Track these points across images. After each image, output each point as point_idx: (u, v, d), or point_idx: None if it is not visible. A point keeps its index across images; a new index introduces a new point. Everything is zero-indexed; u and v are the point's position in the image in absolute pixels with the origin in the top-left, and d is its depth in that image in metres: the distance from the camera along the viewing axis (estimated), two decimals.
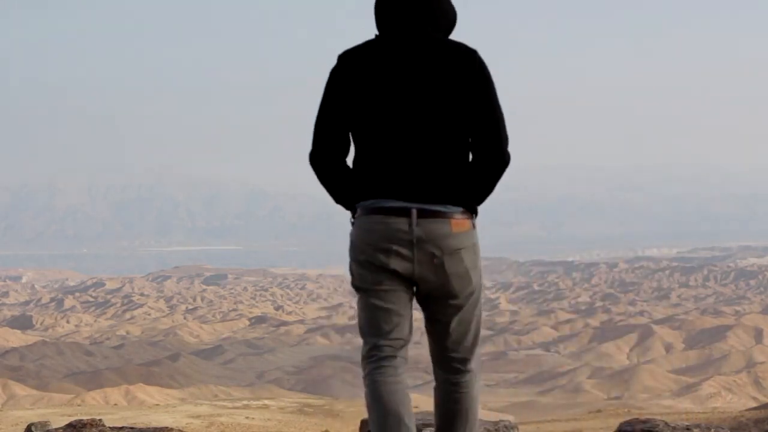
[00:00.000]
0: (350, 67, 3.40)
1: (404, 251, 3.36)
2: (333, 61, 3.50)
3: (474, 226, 3.50)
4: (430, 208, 3.36)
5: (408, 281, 3.42)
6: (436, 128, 3.37)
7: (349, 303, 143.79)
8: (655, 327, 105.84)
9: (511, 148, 3.53)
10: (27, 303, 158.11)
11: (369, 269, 3.41)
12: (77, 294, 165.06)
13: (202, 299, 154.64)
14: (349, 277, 3.57)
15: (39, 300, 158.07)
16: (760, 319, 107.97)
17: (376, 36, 3.48)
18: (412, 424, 3.39)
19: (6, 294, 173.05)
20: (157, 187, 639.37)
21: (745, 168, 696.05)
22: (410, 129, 3.36)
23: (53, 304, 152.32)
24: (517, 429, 6.52)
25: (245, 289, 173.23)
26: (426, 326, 3.56)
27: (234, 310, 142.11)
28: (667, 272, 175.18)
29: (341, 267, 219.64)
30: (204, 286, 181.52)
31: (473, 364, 3.64)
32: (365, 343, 3.48)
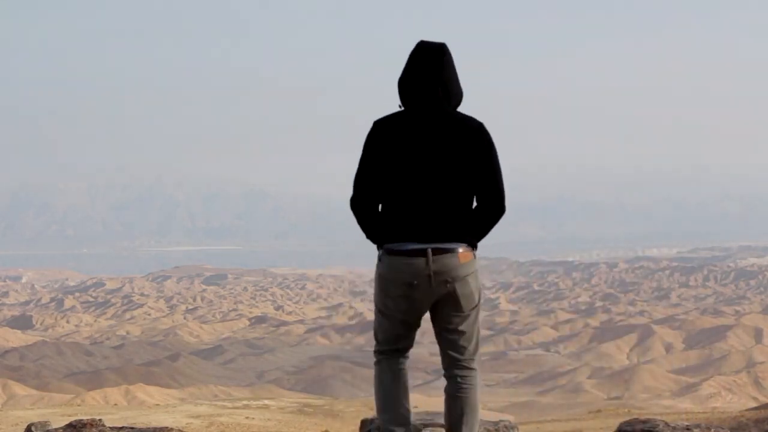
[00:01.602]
0: (383, 133, 4.48)
1: (424, 283, 4.45)
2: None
3: (475, 257, 4.63)
4: (441, 247, 4.45)
5: (423, 310, 4.55)
6: (448, 185, 4.43)
7: (349, 303, 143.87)
8: (655, 327, 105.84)
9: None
10: (27, 303, 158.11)
11: (394, 301, 4.51)
12: (77, 294, 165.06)
13: (202, 299, 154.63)
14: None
15: (39, 300, 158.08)
16: (760, 319, 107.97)
17: (403, 108, 4.55)
18: (408, 402, 4.65)
19: (6, 294, 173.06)
20: (157, 187, 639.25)
21: (745, 168, 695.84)
22: (427, 185, 4.42)
23: (53, 304, 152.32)
24: (517, 429, 6.53)
25: (245, 289, 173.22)
26: (437, 337, 4.67)
27: (234, 310, 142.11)
28: (667, 272, 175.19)
29: (341, 267, 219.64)
30: (204, 286, 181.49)
31: (476, 364, 4.74)
32: (378, 345, 4.68)
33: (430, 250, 4.41)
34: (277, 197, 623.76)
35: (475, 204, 4.56)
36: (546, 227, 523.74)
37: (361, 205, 4.52)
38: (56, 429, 7.36)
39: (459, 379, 4.65)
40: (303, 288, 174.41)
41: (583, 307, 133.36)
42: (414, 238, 4.43)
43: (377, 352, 4.67)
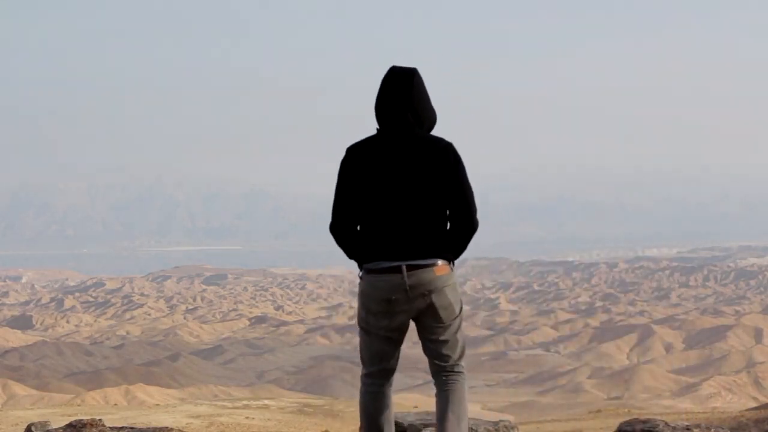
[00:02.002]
0: (356, 158, 4.66)
1: (402, 297, 4.61)
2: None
3: (452, 270, 4.72)
4: (416, 263, 4.60)
5: (404, 324, 4.70)
6: (420, 204, 4.60)
7: (349, 303, 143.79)
8: (655, 327, 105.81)
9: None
10: (27, 303, 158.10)
11: (375, 317, 4.68)
12: (77, 294, 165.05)
13: (202, 299, 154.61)
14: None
15: (39, 300, 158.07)
16: (760, 319, 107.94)
17: (377, 131, 4.72)
18: (391, 426, 4.80)
19: (6, 294, 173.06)
20: (157, 187, 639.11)
21: (745, 168, 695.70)
22: (401, 205, 4.59)
23: (53, 304, 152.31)
24: (517, 429, 6.54)
25: (245, 289, 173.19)
26: (423, 347, 4.78)
27: (234, 310, 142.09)
28: (667, 272, 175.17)
29: (341, 267, 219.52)
30: (204, 286, 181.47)
31: (462, 368, 4.80)
32: (364, 368, 4.81)
33: (404, 266, 4.59)
34: (277, 197, 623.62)
35: (449, 222, 4.73)
36: (546, 227, 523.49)
37: (340, 229, 4.74)
38: (56, 429, 7.36)
39: (445, 385, 4.76)
40: (303, 288, 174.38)
41: (583, 307, 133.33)
42: (390, 256, 4.62)
43: (364, 377, 4.82)
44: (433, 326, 4.69)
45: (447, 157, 4.62)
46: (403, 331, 4.73)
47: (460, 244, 4.72)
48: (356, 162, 4.65)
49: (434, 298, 4.63)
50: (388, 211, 4.61)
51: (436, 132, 4.82)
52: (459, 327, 4.76)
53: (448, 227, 4.72)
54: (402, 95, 4.67)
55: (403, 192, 4.60)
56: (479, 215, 4.81)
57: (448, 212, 4.67)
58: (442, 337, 4.71)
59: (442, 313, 4.66)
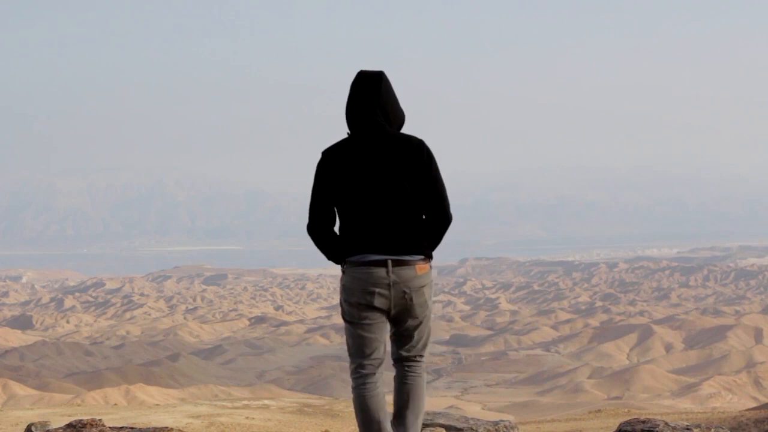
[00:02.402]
0: (331, 161, 4.93)
1: (384, 291, 4.91)
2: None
3: (431, 267, 5.04)
4: (400, 258, 4.91)
5: (386, 314, 4.97)
6: (398, 200, 4.89)
7: None
8: (655, 327, 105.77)
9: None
10: (27, 303, 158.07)
11: (357, 308, 4.95)
12: (77, 294, 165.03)
13: (202, 299, 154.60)
14: None
15: (39, 300, 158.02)
16: (760, 319, 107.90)
17: (348, 135, 5.01)
18: (387, 423, 4.96)
19: (6, 294, 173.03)
20: (157, 187, 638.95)
21: (745, 168, 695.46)
22: (379, 202, 4.88)
23: (53, 304, 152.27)
24: (517, 429, 6.54)
25: (245, 289, 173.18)
26: (392, 336, 5.09)
27: (234, 310, 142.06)
28: (667, 272, 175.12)
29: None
30: (204, 286, 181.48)
31: (422, 358, 5.12)
32: (352, 362, 5.04)
33: (390, 261, 4.90)
34: (277, 197, 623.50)
35: (424, 215, 5.05)
36: (546, 227, 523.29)
37: (317, 229, 5.01)
38: (56, 429, 7.36)
39: (406, 369, 5.09)
40: (303, 288, 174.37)
41: (583, 307, 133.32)
42: (374, 250, 4.91)
43: (354, 371, 5.02)
44: (407, 320, 5.00)
45: (420, 154, 4.92)
46: (383, 321, 5.00)
47: (436, 237, 5.02)
48: (333, 163, 4.93)
49: (414, 296, 4.95)
50: (369, 207, 4.89)
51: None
52: (428, 320, 5.07)
53: (423, 220, 5.04)
54: (372, 97, 4.97)
55: (381, 188, 4.89)
56: (452, 209, 5.08)
57: (423, 207, 4.99)
58: (413, 332, 5.04)
59: (418, 310, 4.98)
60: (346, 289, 4.98)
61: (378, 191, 4.89)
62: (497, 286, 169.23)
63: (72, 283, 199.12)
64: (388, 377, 5.01)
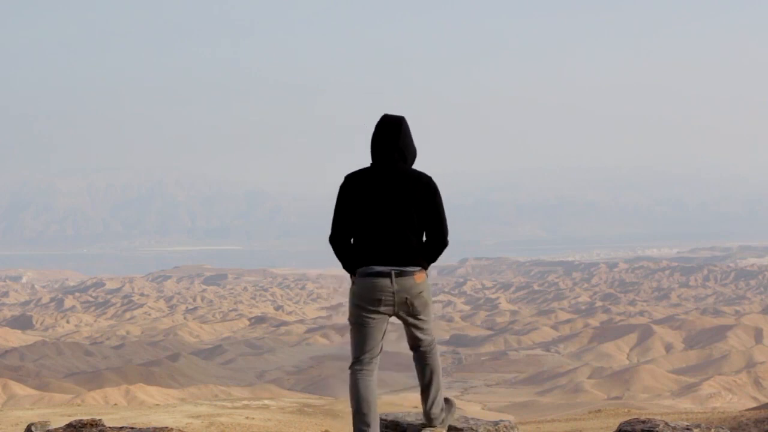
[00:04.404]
0: (352, 185, 6.02)
1: (388, 298, 5.99)
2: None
3: (427, 276, 6.11)
4: (402, 269, 5.98)
5: (388, 316, 6.06)
6: (404, 224, 5.97)
7: None
8: (655, 327, 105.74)
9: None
10: (27, 303, 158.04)
11: (363, 311, 6.02)
12: (77, 294, 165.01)
13: (202, 299, 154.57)
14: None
15: (39, 300, 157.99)
16: (760, 319, 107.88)
17: (371, 164, 6.07)
18: (376, 406, 6.00)
19: (6, 294, 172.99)
20: (157, 187, 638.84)
21: (745, 168, 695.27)
22: (389, 224, 5.96)
23: (53, 304, 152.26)
24: (517, 429, 6.55)
25: (245, 289, 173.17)
26: (405, 329, 6.23)
27: (234, 310, 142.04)
28: (667, 272, 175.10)
29: (341, 267, 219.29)
30: (204, 286, 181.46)
31: (434, 342, 6.27)
32: (353, 355, 6.09)
33: (393, 272, 5.97)
34: (277, 197, 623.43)
35: (425, 237, 6.10)
36: (546, 227, 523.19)
37: (338, 240, 6.06)
38: (56, 429, 7.36)
39: (423, 353, 6.28)
40: (303, 288, 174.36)
41: (583, 307, 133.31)
42: (380, 263, 5.98)
43: (353, 364, 6.06)
44: (413, 316, 6.09)
45: (428, 189, 5.99)
46: (385, 323, 6.08)
47: (433, 255, 6.08)
48: (353, 188, 6.00)
49: (414, 300, 6.03)
50: (379, 228, 5.96)
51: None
52: (431, 314, 6.19)
53: (424, 240, 6.10)
54: (392, 139, 6.03)
55: (391, 214, 5.95)
56: (450, 236, 6.12)
57: (425, 230, 6.05)
58: (420, 325, 6.15)
59: (420, 309, 6.09)
60: (356, 295, 6.04)
61: (386, 215, 5.95)
62: (497, 286, 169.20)
63: (72, 283, 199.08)
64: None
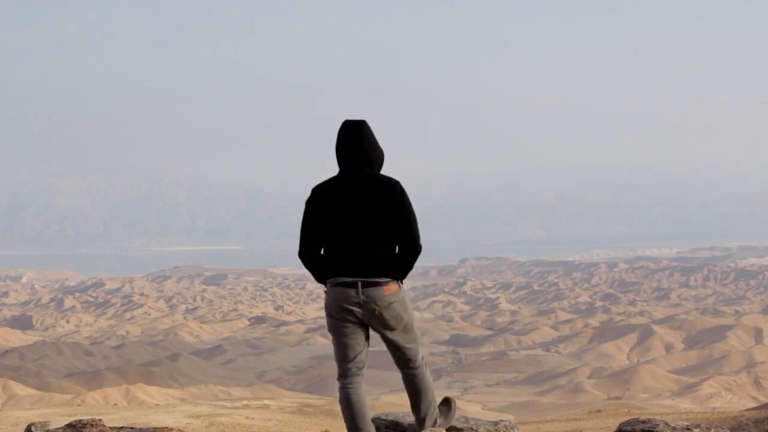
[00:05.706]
0: (319, 197, 5.85)
1: (356, 309, 5.82)
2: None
3: (400, 287, 5.88)
4: (369, 280, 5.79)
5: (362, 324, 5.87)
6: (373, 233, 5.78)
7: None
8: (655, 327, 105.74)
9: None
10: (27, 303, 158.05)
11: (339, 321, 5.86)
12: (77, 294, 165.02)
13: (202, 299, 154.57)
14: None
15: (39, 300, 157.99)
16: (760, 319, 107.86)
17: (338, 173, 5.89)
18: (369, 417, 5.88)
19: (6, 294, 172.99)
20: (157, 187, 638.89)
21: (745, 168, 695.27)
22: (357, 233, 5.78)
23: (53, 304, 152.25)
24: (517, 429, 6.55)
25: (245, 289, 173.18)
26: (389, 349, 5.99)
27: (234, 310, 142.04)
28: (667, 272, 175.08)
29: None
30: (204, 286, 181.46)
31: (419, 362, 6.03)
32: (338, 366, 5.92)
33: (359, 282, 5.78)
34: (277, 197, 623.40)
35: (397, 246, 5.89)
36: (546, 227, 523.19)
37: (306, 254, 5.93)
38: (56, 429, 7.36)
39: (407, 375, 6.06)
40: (303, 288, 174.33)
41: (583, 307, 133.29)
42: (347, 273, 5.80)
43: (340, 377, 5.92)
44: (386, 331, 5.88)
45: (394, 194, 5.79)
46: (362, 333, 5.91)
47: (407, 265, 5.88)
48: (320, 199, 5.84)
49: (384, 311, 5.82)
50: (347, 238, 5.79)
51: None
52: (410, 331, 5.94)
53: (395, 251, 5.89)
54: (354, 145, 5.85)
55: (358, 222, 5.78)
56: (422, 240, 5.93)
57: (396, 239, 5.84)
58: (396, 342, 5.91)
59: (392, 322, 5.85)
60: (327, 306, 5.90)
61: (353, 225, 5.77)
62: (497, 286, 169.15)
63: (72, 283, 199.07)
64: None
